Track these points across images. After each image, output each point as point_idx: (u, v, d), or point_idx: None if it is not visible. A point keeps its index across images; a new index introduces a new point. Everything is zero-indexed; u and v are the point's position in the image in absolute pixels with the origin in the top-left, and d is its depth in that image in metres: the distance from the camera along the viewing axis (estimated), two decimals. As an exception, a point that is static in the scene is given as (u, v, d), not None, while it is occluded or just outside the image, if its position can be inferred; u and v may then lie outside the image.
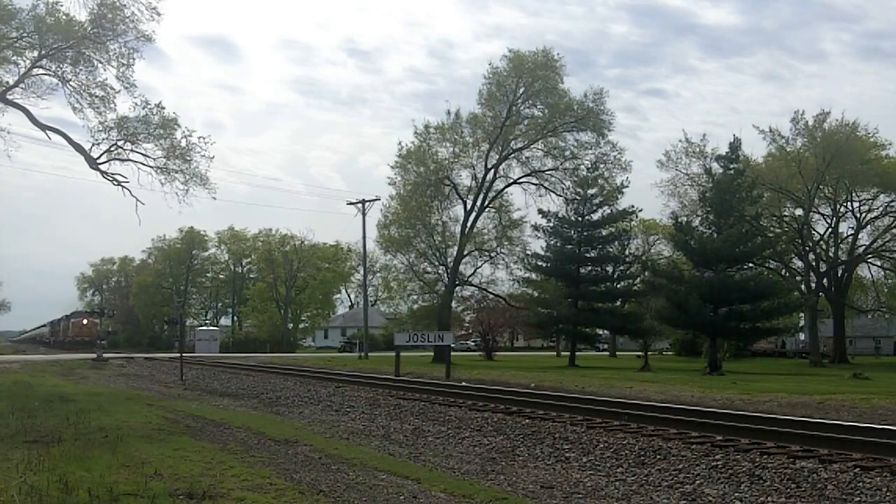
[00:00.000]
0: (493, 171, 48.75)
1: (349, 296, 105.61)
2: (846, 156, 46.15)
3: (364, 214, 55.73)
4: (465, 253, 48.90)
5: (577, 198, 44.81)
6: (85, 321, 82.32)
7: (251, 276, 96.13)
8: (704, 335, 42.80)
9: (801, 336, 59.21)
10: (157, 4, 25.59)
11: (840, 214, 52.80)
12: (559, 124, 47.91)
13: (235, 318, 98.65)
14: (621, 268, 52.07)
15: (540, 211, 45.20)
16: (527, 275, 48.19)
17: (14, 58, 25.89)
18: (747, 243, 39.20)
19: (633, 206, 44.51)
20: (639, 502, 7.97)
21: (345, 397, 18.71)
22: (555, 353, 63.43)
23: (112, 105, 26.42)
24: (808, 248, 50.55)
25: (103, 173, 27.44)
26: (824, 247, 53.22)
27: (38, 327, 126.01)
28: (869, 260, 54.67)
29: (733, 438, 11.10)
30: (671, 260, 50.06)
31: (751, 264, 41.28)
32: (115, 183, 27.58)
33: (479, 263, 50.91)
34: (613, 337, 63.15)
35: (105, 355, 44.28)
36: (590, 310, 43.79)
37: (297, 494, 7.69)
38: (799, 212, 50.65)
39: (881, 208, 51.87)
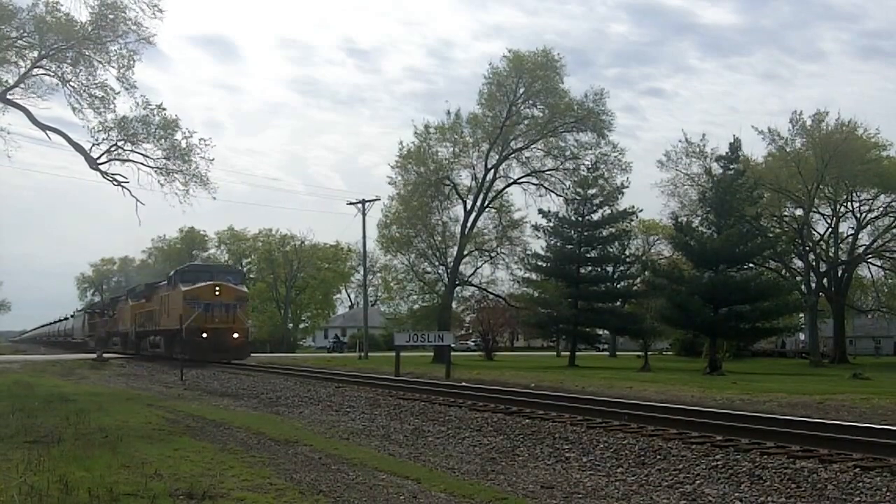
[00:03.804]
0: (493, 171, 48.76)
1: (349, 296, 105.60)
2: (845, 156, 46.15)
3: (364, 214, 55.73)
4: (465, 253, 48.90)
5: (578, 198, 44.79)
6: (217, 290, 35.83)
7: (251, 276, 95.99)
8: (704, 335, 42.81)
9: (801, 336, 59.23)
10: (158, 2, 25.62)
11: (840, 214, 52.83)
12: (559, 124, 47.90)
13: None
14: (621, 268, 52.07)
15: (540, 211, 45.22)
16: (527, 275, 48.22)
17: (14, 58, 25.90)
18: (747, 243, 39.20)
19: (633, 207, 44.52)
20: (639, 502, 7.97)
21: (345, 397, 18.71)
22: (555, 353, 63.41)
23: (112, 105, 26.45)
24: (808, 249, 50.55)
25: (103, 173, 27.45)
26: (824, 247, 53.21)
27: (57, 321, 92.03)
28: (869, 260, 54.68)
29: (733, 438, 11.10)
30: (671, 260, 50.05)
31: (751, 264, 41.28)
32: (115, 183, 27.59)
33: (479, 263, 50.96)
34: (613, 337, 63.12)
35: (105, 355, 44.22)
36: (590, 310, 43.77)
37: (297, 494, 7.69)
38: (799, 212, 50.66)
39: (881, 208, 51.92)
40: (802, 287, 50.31)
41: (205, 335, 34.48)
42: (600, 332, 52.53)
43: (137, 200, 27.77)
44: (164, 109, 27.15)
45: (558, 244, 44.72)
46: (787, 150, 49.44)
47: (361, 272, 65.66)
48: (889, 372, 37.51)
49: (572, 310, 43.01)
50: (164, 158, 27.19)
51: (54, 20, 25.28)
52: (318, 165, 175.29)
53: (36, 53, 25.95)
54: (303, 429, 13.36)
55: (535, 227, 45.67)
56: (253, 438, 11.96)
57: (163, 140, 27.11)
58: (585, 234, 43.91)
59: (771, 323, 39.82)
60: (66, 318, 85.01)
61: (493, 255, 50.22)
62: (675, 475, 9.08)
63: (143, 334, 44.25)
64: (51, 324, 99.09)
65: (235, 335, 35.98)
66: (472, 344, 73.15)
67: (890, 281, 56.74)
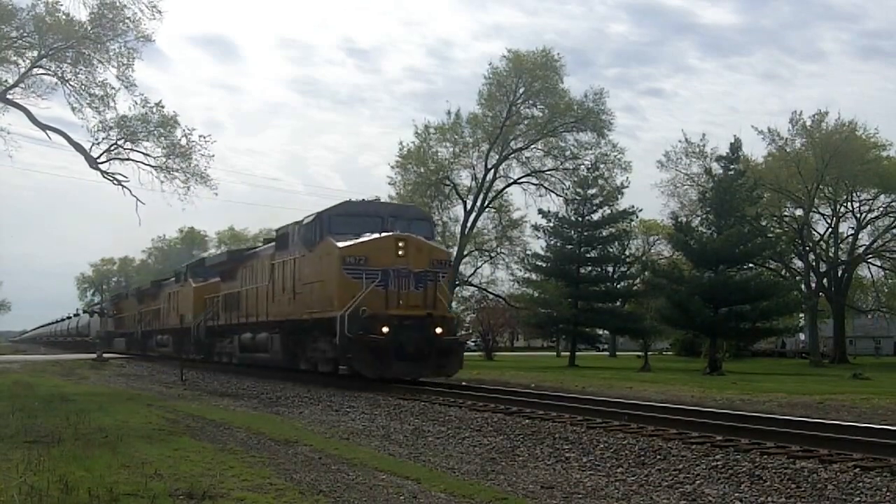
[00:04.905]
0: (493, 171, 48.87)
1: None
2: (845, 156, 46.23)
3: (364, 214, 55.66)
4: (466, 253, 48.98)
5: (578, 198, 44.87)
6: (401, 248, 20.25)
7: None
8: (704, 335, 42.84)
9: (801, 336, 59.26)
10: (157, 3, 25.68)
11: (840, 214, 52.91)
12: (559, 124, 48.01)
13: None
14: (621, 268, 52.11)
15: (540, 211, 45.33)
16: (527, 275, 48.31)
17: (14, 58, 25.94)
18: (747, 244, 39.24)
19: (633, 207, 44.63)
20: (639, 502, 7.96)
21: (345, 397, 18.70)
22: (555, 353, 63.43)
23: (112, 104, 26.53)
24: (808, 249, 50.59)
25: (103, 173, 27.52)
26: (824, 247, 53.25)
27: (64, 319, 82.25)
28: (869, 260, 54.72)
29: (733, 438, 11.08)
30: (671, 260, 50.09)
31: (751, 264, 41.32)
32: (116, 182, 27.66)
33: (480, 263, 51.13)
34: (613, 337, 63.16)
35: (105, 355, 44.19)
36: (590, 310, 43.80)
37: (297, 494, 7.69)
38: (799, 212, 50.73)
39: (881, 208, 52.00)
40: (802, 287, 50.34)
41: (385, 330, 19.43)
42: (600, 332, 52.58)
43: (137, 200, 27.87)
44: (163, 107, 27.23)
45: (558, 244, 44.76)
46: (787, 150, 49.51)
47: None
48: (889, 372, 37.50)
49: (572, 310, 43.04)
50: (164, 157, 27.26)
51: (54, 20, 25.32)
52: (318, 165, 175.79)
53: (36, 53, 26.01)
54: (303, 429, 13.35)
55: (535, 227, 45.82)
56: (253, 438, 11.95)
57: (162, 138, 27.18)
58: (585, 234, 43.95)
59: (771, 323, 39.88)
60: (75, 315, 75.05)
61: (493, 255, 50.39)
62: (675, 475, 9.06)
63: (222, 331, 30.65)
64: (56, 322, 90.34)
65: (438, 329, 20.13)
66: (472, 344, 73.15)
67: (890, 281, 56.78)
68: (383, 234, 20.75)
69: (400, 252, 20.23)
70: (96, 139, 26.88)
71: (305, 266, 22.56)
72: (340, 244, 20.57)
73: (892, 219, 51.42)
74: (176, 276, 40.18)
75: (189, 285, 36.09)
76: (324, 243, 21.43)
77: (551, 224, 44.64)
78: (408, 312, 20.04)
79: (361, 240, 20.69)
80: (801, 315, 50.49)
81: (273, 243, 26.17)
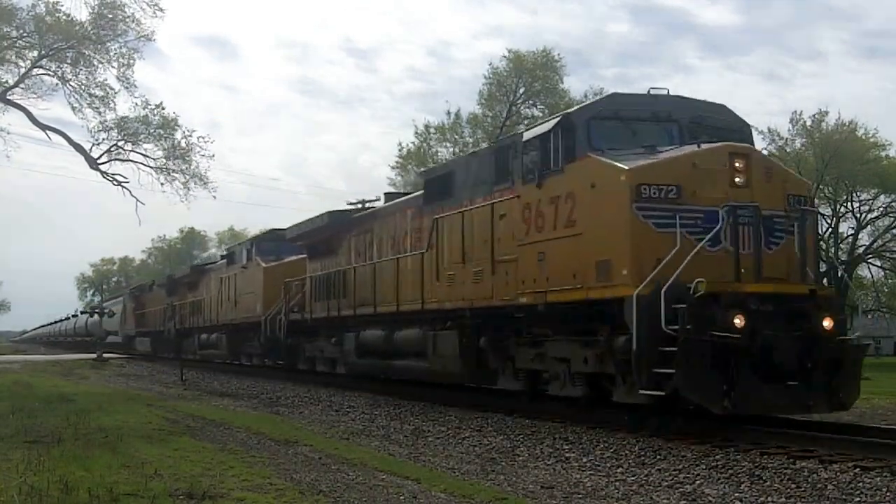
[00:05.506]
0: (493, 171, 48.80)
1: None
2: (845, 156, 46.28)
3: (364, 214, 55.62)
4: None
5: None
6: (739, 172, 10.59)
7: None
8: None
9: (801, 336, 59.23)
10: (158, 1, 25.73)
11: (840, 215, 52.90)
12: (559, 124, 47.99)
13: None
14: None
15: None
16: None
17: (14, 58, 25.97)
18: (747, 243, 39.20)
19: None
20: (639, 502, 7.96)
21: (345, 397, 18.71)
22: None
23: (112, 105, 26.60)
24: (808, 248, 50.58)
25: (103, 173, 27.57)
26: (824, 247, 53.26)
27: (70, 317, 74.05)
28: (869, 260, 54.74)
29: (733, 438, 11.08)
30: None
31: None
32: (116, 183, 27.72)
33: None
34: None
35: (105, 355, 44.18)
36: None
37: (297, 494, 7.69)
38: (799, 212, 50.70)
39: (881, 208, 52.02)
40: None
41: (739, 322, 9.87)
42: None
43: (137, 200, 27.92)
44: (164, 108, 27.31)
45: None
46: (787, 150, 49.53)
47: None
48: (889, 372, 37.48)
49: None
50: (165, 158, 27.32)
51: (54, 20, 25.34)
52: (317, 165, 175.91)
53: (36, 53, 26.04)
54: (303, 429, 13.36)
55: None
56: (253, 438, 11.96)
57: (163, 140, 27.25)
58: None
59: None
60: (82, 313, 66.83)
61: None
62: (675, 475, 9.06)
63: (315, 327, 22.91)
64: (58, 321, 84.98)
65: (826, 322, 10.44)
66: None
67: (890, 281, 56.81)
68: (705, 147, 11.25)
69: (737, 178, 10.81)
70: (96, 140, 26.97)
71: (522, 214, 12.80)
72: (624, 165, 10.93)
73: (892, 219, 51.45)
74: (228, 256, 31.82)
75: (256, 266, 27.50)
76: (579, 166, 11.62)
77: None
78: (775, 290, 10.76)
79: (664, 156, 11.29)
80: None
81: (409, 195, 18.49)
